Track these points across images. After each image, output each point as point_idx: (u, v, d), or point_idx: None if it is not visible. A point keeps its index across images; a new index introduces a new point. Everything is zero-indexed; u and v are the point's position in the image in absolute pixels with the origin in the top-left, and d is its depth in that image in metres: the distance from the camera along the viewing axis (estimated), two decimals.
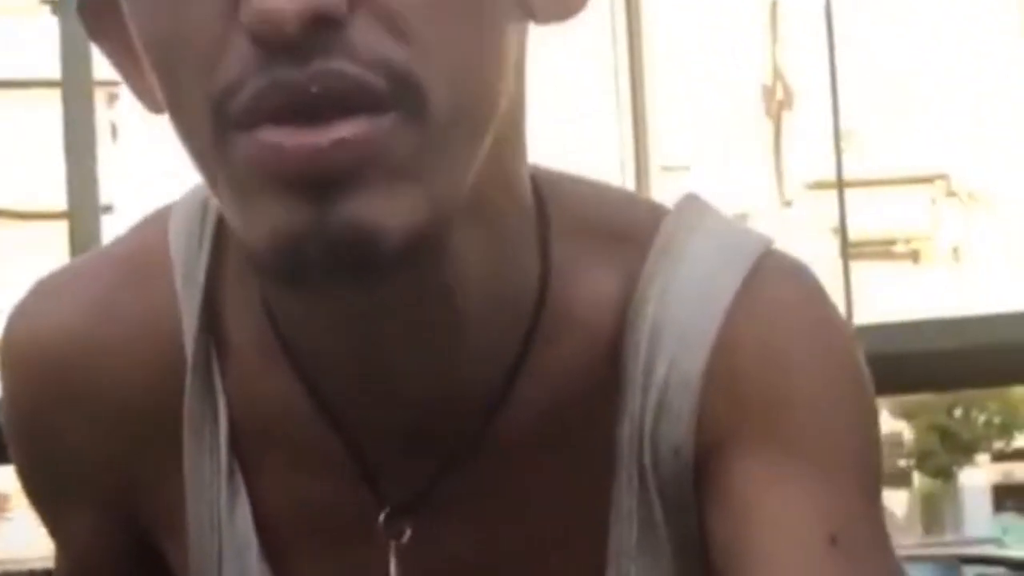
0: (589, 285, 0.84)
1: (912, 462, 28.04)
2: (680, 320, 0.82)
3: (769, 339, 0.82)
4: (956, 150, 30.32)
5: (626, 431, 0.83)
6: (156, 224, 0.89)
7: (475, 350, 0.80)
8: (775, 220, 23.83)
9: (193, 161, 0.74)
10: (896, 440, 27.18)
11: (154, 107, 0.77)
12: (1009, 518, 28.29)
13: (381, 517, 0.84)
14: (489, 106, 0.74)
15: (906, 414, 26.82)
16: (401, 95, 0.69)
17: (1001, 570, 15.59)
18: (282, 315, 0.82)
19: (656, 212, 0.88)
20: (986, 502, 29.19)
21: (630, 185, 3.41)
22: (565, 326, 0.83)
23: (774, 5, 30.56)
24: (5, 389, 0.91)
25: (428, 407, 0.82)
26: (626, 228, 0.87)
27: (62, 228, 1.96)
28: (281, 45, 0.66)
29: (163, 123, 0.76)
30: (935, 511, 28.84)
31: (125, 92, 0.77)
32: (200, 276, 0.85)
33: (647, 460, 0.82)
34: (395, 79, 0.69)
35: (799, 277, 0.85)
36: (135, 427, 0.87)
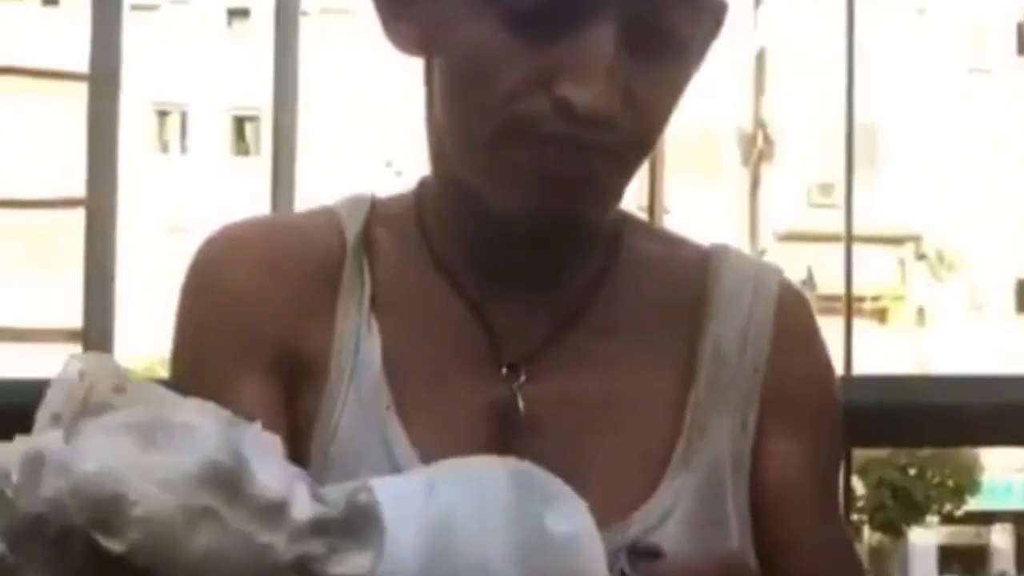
0: (654, 247, 1.20)
1: (864, 517, 28.19)
2: (751, 286, 1.18)
3: (803, 310, 1.21)
4: (929, 212, 30.60)
5: (708, 345, 1.16)
6: (322, 208, 1.22)
7: (580, 255, 1.16)
8: None
9: (456, 138, 1.10)
10: (849, 495, 27.22)
11: (405, 49, 1.13)
12: None
13: (504, 369, 1.13)
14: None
15: (860, 470, 26.93)
16: (630, 148, 1.07)
17: None
18: (440, 229, 1.17)
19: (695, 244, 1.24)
20: (932, 562, 29.40)
21: None
22: (634, 252, 1.19)
23: (761, 55, 30.82)
24: (202, 264, 1.17)
25: (544, 291, 1.15)
26: (681, 242, 1.23)
27: (79, 215, 1.99)
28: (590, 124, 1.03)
29: None
30: (884, 567, 29.02)
31: None
32: (360, 218, 1.18)
33: (726, 373, 1.15)
34: (628, 138, 1.06)
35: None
36: (303, 296, 1.15)
